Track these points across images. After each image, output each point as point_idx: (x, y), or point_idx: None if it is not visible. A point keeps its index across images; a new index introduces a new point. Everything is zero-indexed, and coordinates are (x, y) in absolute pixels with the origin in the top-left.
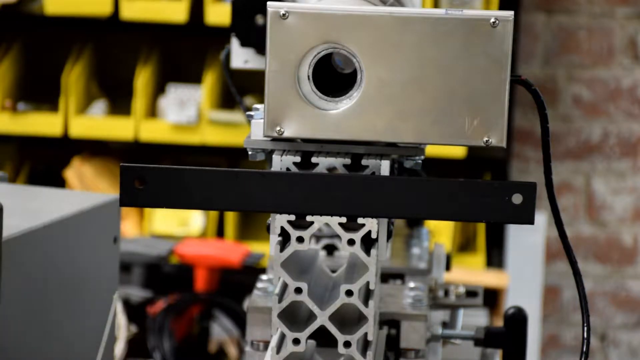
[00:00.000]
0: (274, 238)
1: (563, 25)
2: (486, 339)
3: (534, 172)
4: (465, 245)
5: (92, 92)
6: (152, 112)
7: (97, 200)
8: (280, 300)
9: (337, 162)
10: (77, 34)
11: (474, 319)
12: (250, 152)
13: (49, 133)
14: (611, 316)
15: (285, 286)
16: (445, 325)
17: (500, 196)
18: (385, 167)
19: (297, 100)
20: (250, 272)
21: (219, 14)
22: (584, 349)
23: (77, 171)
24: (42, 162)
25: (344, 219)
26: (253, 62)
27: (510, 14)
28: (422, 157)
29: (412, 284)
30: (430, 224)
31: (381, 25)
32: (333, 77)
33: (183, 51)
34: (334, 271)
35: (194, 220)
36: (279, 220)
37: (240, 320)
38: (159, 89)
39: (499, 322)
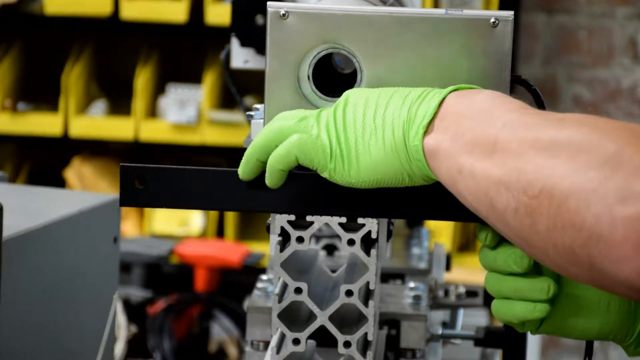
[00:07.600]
0: (274, 238)
1: (563, 25)
2: (486, 339)
3: None
4: (465, 245)
5: (92, 92)
6: (152, 112)
7: (97, 200)
8: (280, 300)
9: None
10: (77, 34)
11: (474, 319)
12: None
13: (49, 133)
14: None
15: (285, 286)
16: (445, 325)
17: None
18: None
19: (297, 100)
20: (250, 272)
21: (219, 14)
22: (588, 349)
23: (77, 171)
24: (42, 162)
25: (344, 219)
26: (253, 62)
27: (510, 14)
28: None
29: (412, 284)
30: (430, 224)
31: (381, 25)
32: (333, 77)
33: (183, 51)
34: (334, 271)
35: (194, 220)
36: (279, 220)
37: (240, 320)
38: (159, 89)
39: (499, 322)
